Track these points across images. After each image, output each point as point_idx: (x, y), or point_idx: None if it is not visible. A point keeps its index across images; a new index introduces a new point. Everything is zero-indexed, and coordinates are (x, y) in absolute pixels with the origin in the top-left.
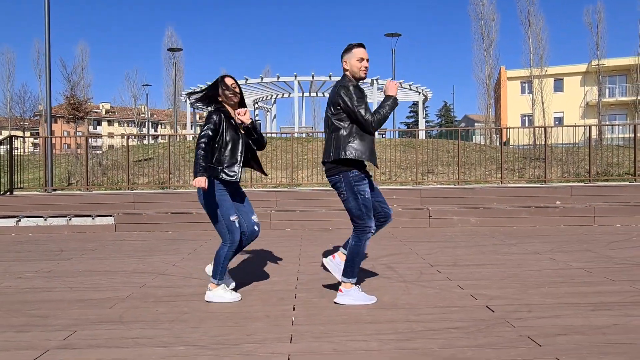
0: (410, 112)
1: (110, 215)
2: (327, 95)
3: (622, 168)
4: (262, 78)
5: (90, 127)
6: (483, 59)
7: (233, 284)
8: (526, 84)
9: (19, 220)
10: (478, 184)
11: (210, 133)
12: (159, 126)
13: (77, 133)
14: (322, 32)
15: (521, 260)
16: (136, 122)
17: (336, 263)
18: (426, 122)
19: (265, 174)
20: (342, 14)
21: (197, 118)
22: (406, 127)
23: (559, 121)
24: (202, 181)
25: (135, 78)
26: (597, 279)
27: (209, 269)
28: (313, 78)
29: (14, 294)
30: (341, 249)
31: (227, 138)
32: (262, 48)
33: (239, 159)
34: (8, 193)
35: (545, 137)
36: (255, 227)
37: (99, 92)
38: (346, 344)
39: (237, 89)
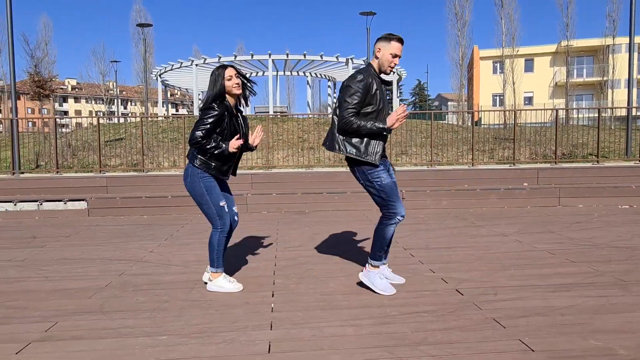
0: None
1: (83, 200)
2: (302, 74)
3: (587, 149)
4: (235, 56)
5: (56, 104)
6: (457, 39)
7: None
8: (498, 64)
9: None
10: (450, 166)
11: (209, 126)
12: (129, 103)
13: (43, 111)
14: (296, 11)
15: (489, 242)
16: (104, 99)
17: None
18: (400, 100)
19: (233, 175)
20: None
21: (169, 95)
22: None
23: (529, 101)
24: (235, 144)
25: (102, 54)
26: (558, 261)
27: (206, 276)
28: (287, 57)
29: None
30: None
31: (227, 134)
32: (235, 25)
33: (233, 159)
34: None
35: (514, 119)
36: (235, 217)
37: (64, 67)
38: (324, 329)
39: (239, 80)
